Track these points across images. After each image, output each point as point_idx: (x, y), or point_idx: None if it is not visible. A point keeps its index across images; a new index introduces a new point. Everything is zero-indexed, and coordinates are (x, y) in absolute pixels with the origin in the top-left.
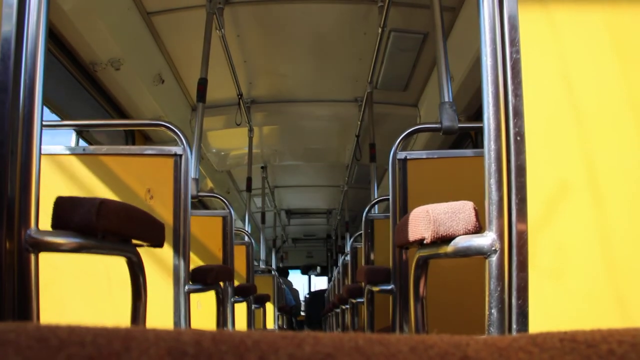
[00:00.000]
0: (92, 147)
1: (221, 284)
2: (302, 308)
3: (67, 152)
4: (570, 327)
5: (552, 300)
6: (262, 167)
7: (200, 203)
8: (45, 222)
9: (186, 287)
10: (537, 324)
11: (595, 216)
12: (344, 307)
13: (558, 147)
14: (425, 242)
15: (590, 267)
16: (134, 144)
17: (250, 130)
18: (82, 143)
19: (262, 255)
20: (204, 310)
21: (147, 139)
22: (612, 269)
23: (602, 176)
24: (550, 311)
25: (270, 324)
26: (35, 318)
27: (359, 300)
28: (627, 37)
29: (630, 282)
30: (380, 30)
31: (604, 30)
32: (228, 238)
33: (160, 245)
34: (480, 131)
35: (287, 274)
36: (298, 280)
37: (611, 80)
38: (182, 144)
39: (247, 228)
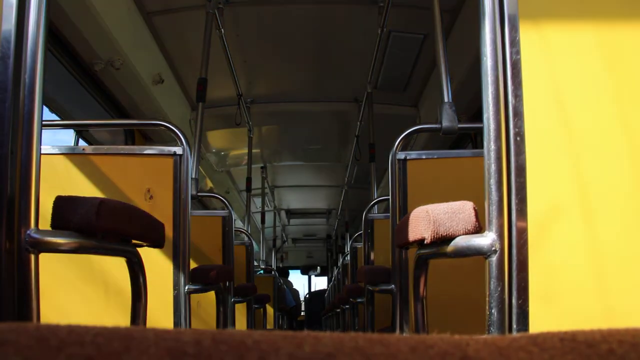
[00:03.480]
0: (91, 147)
1: (221, 284)
2: (302, 308)
3: (67, 151)
4: (571, 327)
5: (552, 300)
6: (261, 167)
7: (199, 203)
8: (45, 222)
9: (186, 287)
10: (537, 323)
11: (594, 216)
12: (344, 307)
13: (558, 148)
14: (425, 242)
15: (590, 266)
16: (133, 143)
17: (250, 130)
18: (82, 143)
19: (262, 256)
20: (204, 310)
21: (146, 139)
22: (611, 269)
23: (601, 176)
24: (551, 311)
25: (270, 324)
26: (35, 318)
27: (359, 300)
28: (627, 35)
29: (628, 281)
30: (380, 30)
31: (604, 31)
32: (228, 238)
33: (160, 245)
34: (480, 131)
35: (287, 274)
36: (298, 281)
37: (611, 79)
38: (182, 143)
39: (247, 228)
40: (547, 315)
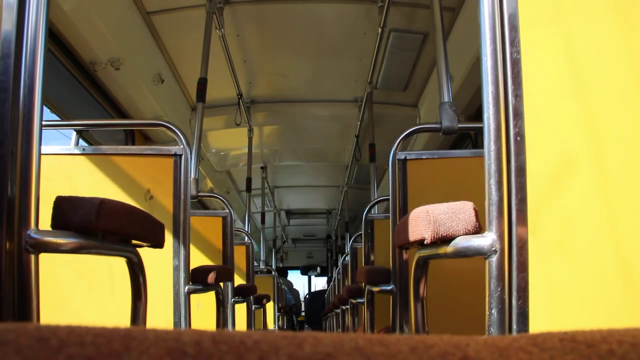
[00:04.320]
0: (92, 147)
1: (221, 284)
2: (302, 308)
3: (67, 152)
4: (571, 327)
5: (552, 300)
6: (261, 167)
7: (200, 203)
8: (45, 222)
9: (186, 288)
10: (537, 324)
11: (596, 216)
12: (344, 307)
13: (558, 148)
14: (425, 242)
15: (592, 267)
16: (133, 144)
17: (250, 130)
18: (82, 143)
19: (262, 256)
20: (204, 310)
21: (146, 139)
22: (609, 270)
23: (603, 177)
24: (551, 311)
25: (270, 324)
26: (35, 318)
27: (359, 300)
28: (634, 37)
29: (627, 282)
30: (380, 30)
31: (608, 29)
32: (228, 238)
33: (160, 245)
34: (480, 131)
35: (286, 274)
36: (298, 281)
37: (616, 81)
38: (182, 143)
39: (247, 228)
40: (547, 315)
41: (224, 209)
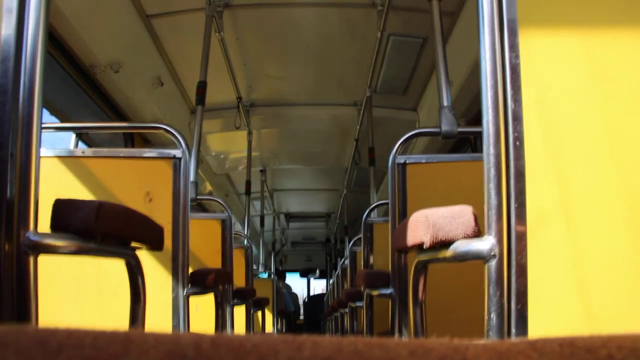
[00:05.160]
0: (91, 150)
1: (220, 287)
2: (301, 311)
3: (67, 154)
4: (570, 332)
5: (551, 304)
6: (261, 171)
7: (199, 206)
8: (44, 224)
9: (185, 290)
10: (536, 328)
11: (596, 219)
12: (343, 311)
13: (557, 152)
14: (424, 246)
15: (591, 271)
16: (133, 146)
17: (250, 134)
18: (81, 145)
19: (261, 259)
20: (202, 313)
21: (146, 142)
22: (609, 272)
23: (603, 179)
24: (550, 316)
25: (269, 327)
26: (34, 320)
27: (358, 304)
28: (624, 37)
29: (626, 285)
30: (379, 34)
31: (606, 33)
32: (227, 241)
33: (159, 248)
34: (479, 136)
35: (284, 277)
36: (297, 284)
37: (615, 81)
38: (181, 146)
39: (246, 231)
40: (546, 320)
41: (223, 212)
